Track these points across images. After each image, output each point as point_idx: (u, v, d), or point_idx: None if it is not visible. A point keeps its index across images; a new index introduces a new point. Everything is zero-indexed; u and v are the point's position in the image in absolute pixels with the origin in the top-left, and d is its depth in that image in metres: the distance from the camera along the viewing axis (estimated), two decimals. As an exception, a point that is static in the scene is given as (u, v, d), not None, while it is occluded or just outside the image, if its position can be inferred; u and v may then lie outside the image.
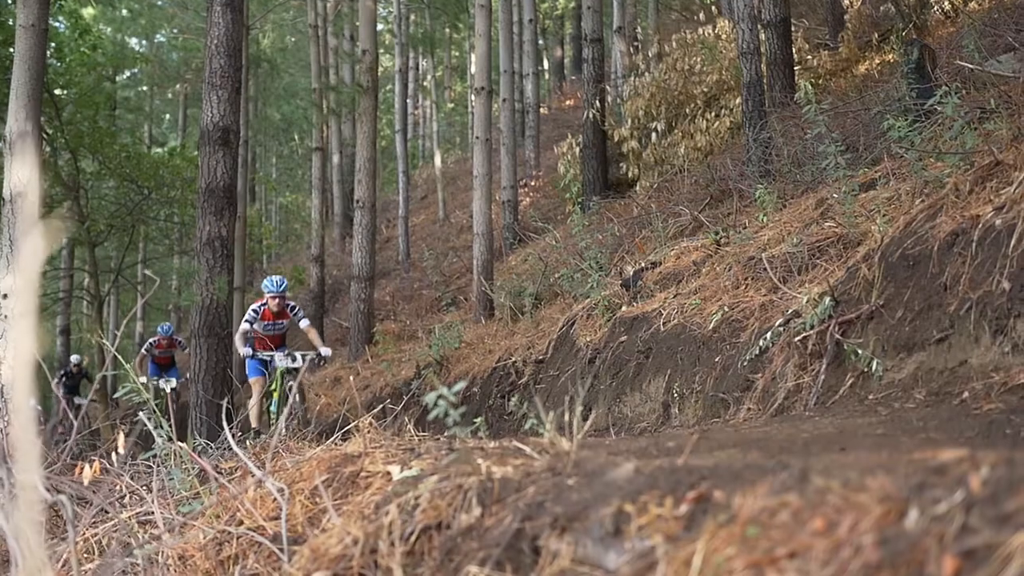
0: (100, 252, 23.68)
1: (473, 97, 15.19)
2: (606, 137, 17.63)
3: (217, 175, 11.16)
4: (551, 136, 28.70)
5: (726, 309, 6.32)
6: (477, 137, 13.93)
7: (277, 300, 11.51)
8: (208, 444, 6.56)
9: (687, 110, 16.43)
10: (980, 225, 4.20)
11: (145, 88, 36.74)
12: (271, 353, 11.46)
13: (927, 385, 4.12)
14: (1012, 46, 8.83)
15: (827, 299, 4.90)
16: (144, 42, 36.16)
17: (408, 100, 32.91)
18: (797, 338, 5.00)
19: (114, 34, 32.41)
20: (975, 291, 4.05)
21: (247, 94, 23.55)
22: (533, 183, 24.01)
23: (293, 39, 37.21)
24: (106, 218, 22.33)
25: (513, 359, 10.01)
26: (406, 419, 5.09)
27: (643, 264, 8.61)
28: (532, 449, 3.15)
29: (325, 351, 11.61)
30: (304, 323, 11.92)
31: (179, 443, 4.30)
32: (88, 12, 28.41)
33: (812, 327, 4.92)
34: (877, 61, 14.92)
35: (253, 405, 11.81)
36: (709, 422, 5.73)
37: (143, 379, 17.18)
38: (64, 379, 23.67)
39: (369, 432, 4.59)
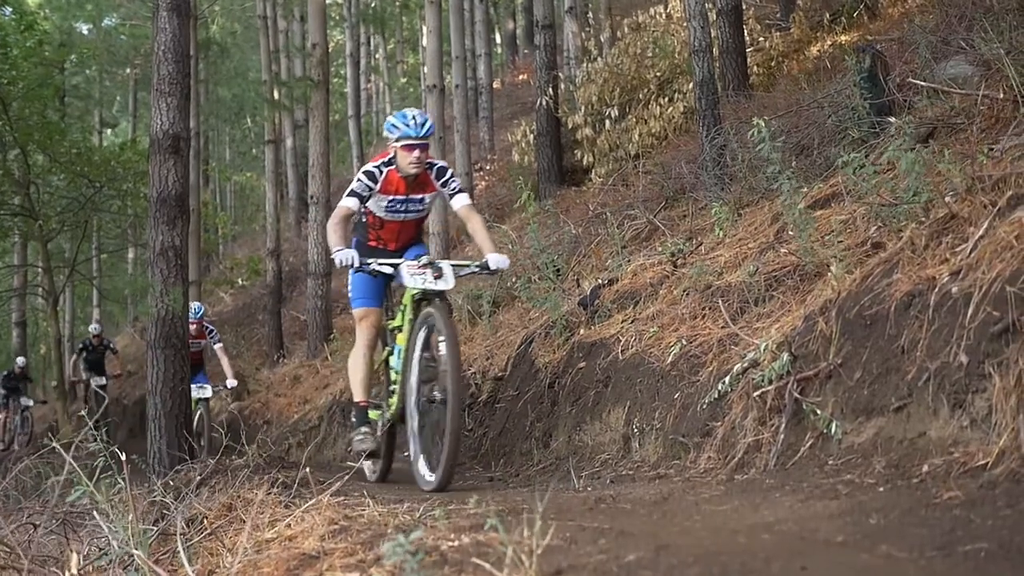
0: (54, 246, 23.37)
1: (425, 94, 15.07)
2: (560, 124, 17.54)
3: (168, 184, 10.96)
4: (505, 114, 28.55)
5: (684, 342, 6.31)
6: (431, 136, 13.82)
7: (416, 153, 7.11)
8: (169, 500, 6.39)
9: (640, 95, 16.36)
10: (936, 289, 4.18)
11: (95, 69, 36.22)
12: (396, 260, 7.05)
13: (887, 455, 4.11)
14: (962, 47, 8.81)
15: (785, 355, 4.89)
16: (91, 27, 35.65)
17: (360, 75, 32.68)
18: (756, 393, 4.99)
19: (61, 21, 31.95)
20: (933, 360, 4.04)
21: (197, 78, 23.26)
22: (488, 166, 23.89)
23: (242, 23, 36.77)
24: (58, 212, 22.07)
25: (472, 370, 9.96)
26: (367, 497, 5.00)
27: (600, 281, 8.59)
28: (492, 565, 3.11)
29: (498, 261, 7.06)
30: (461, 201, 7.35)
31: (138, 552, 4.17)
32: (33, 0, 28.02)
33: (771, 382, 4.91)
34: (829, 42, 14.89)
35: (357, 361, 7.64)
36: (670, 464, 5.73)
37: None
38: (85, 354, 21.68)
39: (328, 509, 4.54)
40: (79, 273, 24.42)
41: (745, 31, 14.52)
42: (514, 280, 11.38)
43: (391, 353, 7.64)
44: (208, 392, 13.93)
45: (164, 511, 7.03)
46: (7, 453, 23.00)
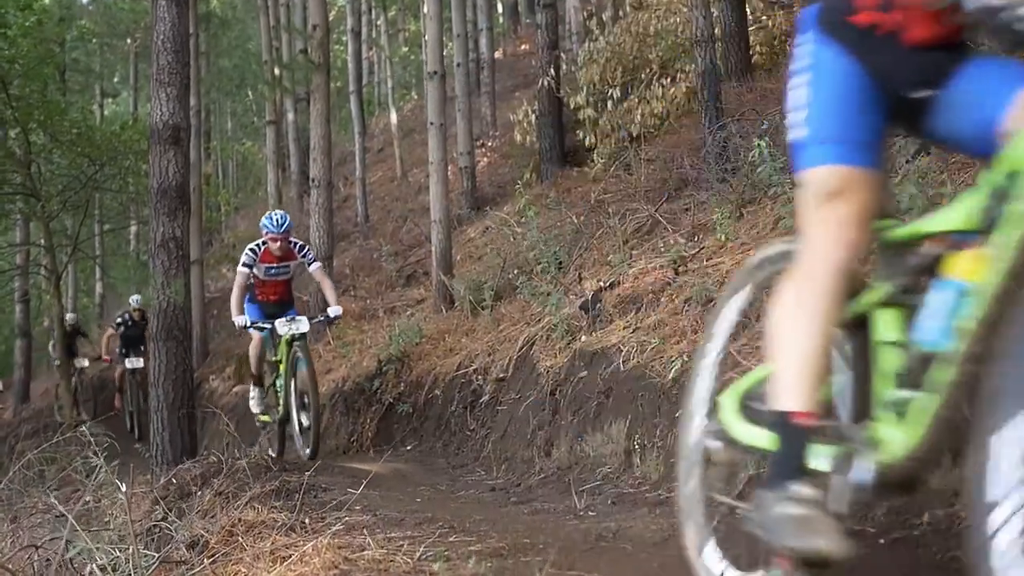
0: (56, 225, 23.28)
1: (426, 81, 14.98)
2: (562, 104, 17.47)
3: (169, 175, 10.96)
4: (507, 86, 28.42)
5: (685, 358, 6.29)
6: (431, 123, 13.75)
7: None
8: (171, 520, 6.39)
9: (643, 75, 16.27)
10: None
11: (95, 42, 36.08)
12: None
13: (888, 502, 4.10)
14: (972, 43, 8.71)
15: (786, 389, 4.85)
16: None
17: (362, 44, 32.54)
18: (757, 426, 4.96)
19: (60, -2, 31.90)
20: (935, 406, 4.01)
21: (199, 50, 23.17)
22: (491, 143, 23.79)
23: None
24: (59, 191, 22.01)
25: (474, 366, 9.95)
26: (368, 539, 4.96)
27: (602, 284, 8.56)
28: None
29: None
30: None
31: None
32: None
33: (772, 415, 4.88)
34: (832, 22, 14.77)
35: (805, 310, 2.91)
36: (671, 486, 5.72)
37: (241, 320, 10.80)
38: (124, 329, 20.00)
39: (328, 551, 4.53)
40: (81, 251, 24.34)
41: (747, 9, 14.44)
42: (516, 272, 11.36)
43: (890, 301, 3.01)
44: (304, 326, 10.51)
45: (166, 512, 7.07)
46: (77, 415, 22.09)
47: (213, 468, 8.36)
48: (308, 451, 10.26)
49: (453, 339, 11.48)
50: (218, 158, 40.97)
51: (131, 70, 37.90)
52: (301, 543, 4.93)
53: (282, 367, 10.84)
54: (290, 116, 26.88)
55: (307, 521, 5.37)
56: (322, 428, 11.41)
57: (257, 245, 10.92)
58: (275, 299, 11.23)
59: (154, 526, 6.74)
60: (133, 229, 31.91)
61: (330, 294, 11.16)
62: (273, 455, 10.90)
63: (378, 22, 39.49)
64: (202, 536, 5.70)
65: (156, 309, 10.91)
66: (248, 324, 10.69)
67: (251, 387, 11.76)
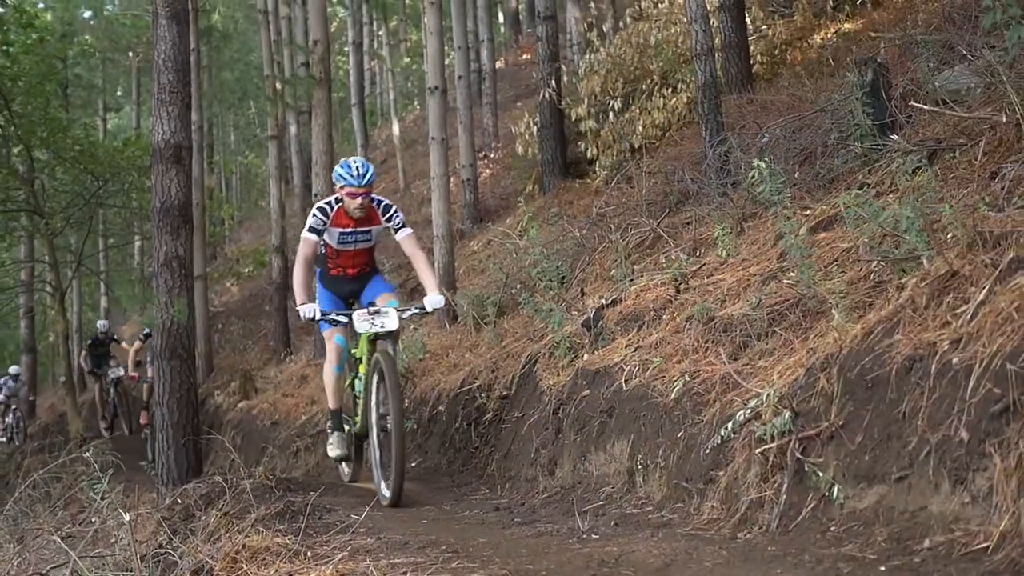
0: (60, 241, 23.34)
1: (428, 96, 14.97)
2: (563, 116, 17.51)
3: (171, 193, 10.99)
4: (509, 96, 28.50)
5: (687, 378, 6.29)
6: (433, 138, 13.78)
7: None
8: (176, 544, 6.40)
9: (643, 86, 16.29)
10: (937, 356, 4.17)
11: (97, 57, 36.22)
12: None
13: (888, 526, 4.11)
14: (965, 56, 8.72)
15: (787, 413, 4.88)
16: (92, 13, 35.69)
17: (364, 54, 32.57)
18: (758, 449, 4.98)
19: (63, 12, 31.99)
20: (934, 432, 4.02)
21: (200, 64, 23.22)
22: (492, 154, 23.81)
23: (243, 12, 36.64)
24: (63, 208, 22.08)
25: (477, 383, 9.95)
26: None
27: (604, 301, 8.55)
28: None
29: None
30: None
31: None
32: (36, -6, 28.03)
33: (773, 439, 4.90)
34: (833, 31, 14.81)
35: None
36: (673, 507, 5.73)
37: (308, 309, 8.09)
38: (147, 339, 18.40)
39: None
40: (85, 267, 24.39)
41: (748, 18, 14.44)
42: (519, 287, 11.36)
43: None
44: (392, 322, 8.05)
45: (171, 536, 7.06)
46: (110, 432, 21.44)
47: (218, 488, 8.34)
48: (388, 493, 7.67)
49: (456, 354, 11.50)
50: (221, 172, 41.06)
51: (133, 84, 38.05)
52: (305, 570, 4.94)
53: (362, 368, 8.49)
54: (292, 130, 26.89)
55: (310, 553, 5.37)
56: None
57: (328, 204, 8.32)
58: (354, 272, 8.83)
59: (159, 547, 6.76)
60: (137, 244, 31.99)
61: (427, 275, 8.54)
62: (348, 476, 9.48)
63: (379, 33, 39.53)
64: (207, 563, 5.71)
65: (160, 328, 10.94)
66: (317, 316, 8.12)
67: (328, 428, 9.46)
